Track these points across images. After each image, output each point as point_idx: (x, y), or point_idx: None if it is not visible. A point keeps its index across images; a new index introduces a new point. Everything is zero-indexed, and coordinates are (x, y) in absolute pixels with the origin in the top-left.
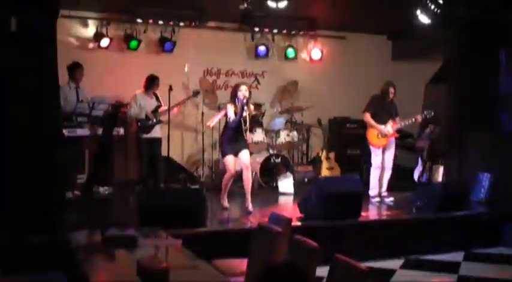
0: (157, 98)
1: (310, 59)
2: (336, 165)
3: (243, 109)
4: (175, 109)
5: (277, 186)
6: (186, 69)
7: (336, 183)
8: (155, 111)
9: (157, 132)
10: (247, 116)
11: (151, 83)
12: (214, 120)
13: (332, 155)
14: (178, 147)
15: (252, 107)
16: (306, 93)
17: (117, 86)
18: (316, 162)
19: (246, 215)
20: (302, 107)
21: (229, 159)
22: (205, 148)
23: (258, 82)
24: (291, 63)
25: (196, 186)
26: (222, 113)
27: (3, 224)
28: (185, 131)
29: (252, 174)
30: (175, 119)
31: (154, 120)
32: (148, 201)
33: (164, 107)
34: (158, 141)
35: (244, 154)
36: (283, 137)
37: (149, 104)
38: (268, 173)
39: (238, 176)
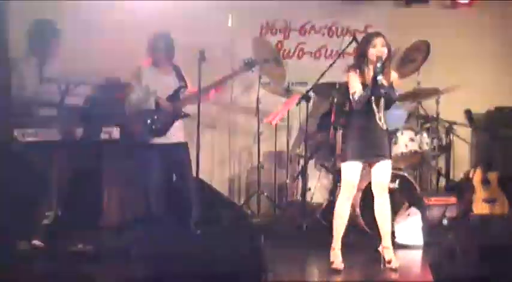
0: (178, 75)
1: (453, 2)
2: (501, 195)
3: (376, 80)
4: (212, 93)
5: (392, 233)
6: (229, 23)
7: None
8: (176, 96)
9: (178, 134)
10: (385, 93)
11: (167, 46)
12: (282, 113)
13: (493, 176)
14: (211, 162)
15: (394, 74)
16: (443, 63)
17: (108, 56)
18: (463, 189)
19: None
20: (438, 89)
21: (352, 169)
22: (263, 163)
23: (357, 43)
24: (417, 10)
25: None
26: (295, 99)
27: None
28: (223, 132)
29: (356, 209)
30: (208, 111)
31: (175, 113)
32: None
33: (192, 89)
34: (181, 149)
35: (382, 168)
36: (404, 142)
37: (164, 84)
38: (372, 204)
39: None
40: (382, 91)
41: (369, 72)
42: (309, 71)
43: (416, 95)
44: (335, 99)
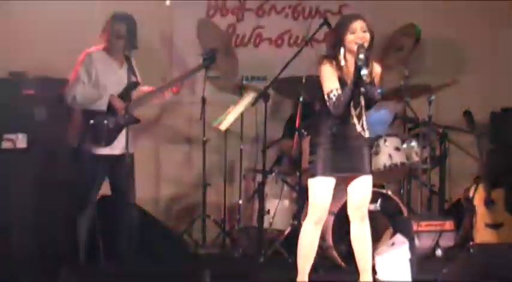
0: (131, 68)
1: None
2: (509, 219)
3: (360, 75)
4: (167, 93)
5: (372, 267)
6: (167, 2)
7: None
8: (127, 95)
9: (124, 146)
10: (367, 90)
11: (130, 31)
12: (232, 114)
13: (499, 194)
14: (144, 177)
15: (378, 68)
16: (437, 53)
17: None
18: (462, 211)
19: None
20: (430, 86)
21: (322, 186)
22: (210, 179)
23: (329, 27)
24: None
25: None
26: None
27: None
28: (158, 140)
29: (327, 238)
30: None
31: (125, 116)
32: None
33: (146, 88)
34: (125, 163)
35: (360, 186)
36: (388, 152)
37: (117, 78)
38: (348, 231)
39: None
40: (366, 90)
41: (348, 65)
42: (269, 62)
43: (404, 93)
44: (301, 98)
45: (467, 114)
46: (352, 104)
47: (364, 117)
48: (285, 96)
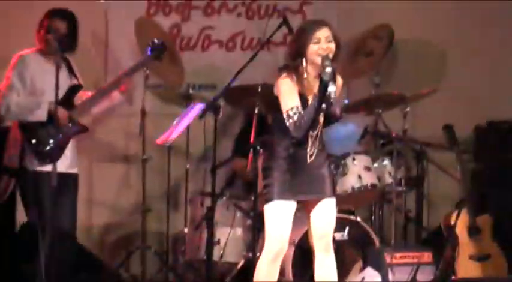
0: (70, 70)
1: None
2: (496, 250)
3: (325, 92)
4: (115, 94)
5: None
6: None
7: None
8: (68, 100)
9: (71, 162)
10: (332, 108)
11: (71, 29)
12: (178, 129)
13: (485, 221)
14: (81, 203)
15: (338, 80)
16: (412, 59)
17: None
18: (442, 240)
19: None
20: (405, 96)
21: (280, 212)
22: (150, 204)
23: (289, 28)
24: None
25: None
26: (197, 109)
27: None
28: (91, 158)
29: (286, 272)
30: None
31: (70, 125)
32: None
33: (86, 92)
34: (70, 184)
35: (324, 211)
36: (357, 172)
37: (55, 81)
38: (310, 264)
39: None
40: (331, 107)
41: (309, 79)
42: (219, 68)
43: (374, 104)
44: (256, 110)
45: (448, 128)
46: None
47: (322, 132)
48: (237, 107)
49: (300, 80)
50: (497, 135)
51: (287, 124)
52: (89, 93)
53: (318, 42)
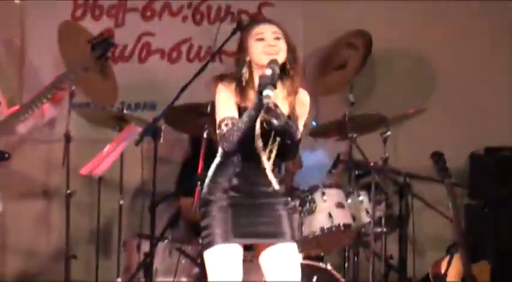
0: None
1: None
2: None
3: (260, 99)
4: (45, 110)
5: None
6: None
7: None
8: None
9: None
10: (280, 126)
11: None
12: (109, 157)
13: (482, 268)
14: None
15: (304, 95)
16: (394, 72)
17: None
18: None
19: None
20: (385, 117)
21: (226, 259)
22: (75, 248)
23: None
24: None
25: None
26: (132, 132)
27: None
28: (11, 196)
29: None
30: None
31: None
32: None
33: (8, 109)
34: None
35: (282, 258)
36: (327, 209)
37: None
38: None
39: None
40: (276, 122)
41: (255, 87)
42: (160, 83)
43: (348, 127)
44: (205, 134)
45: (438, 156)
46: (260, 144)
47: (278, 161)
48: (182, 131)
49: (241, 89)
50: (496, 165)
51: (218, 137)
52: (11, 109)
53: (263, 39)
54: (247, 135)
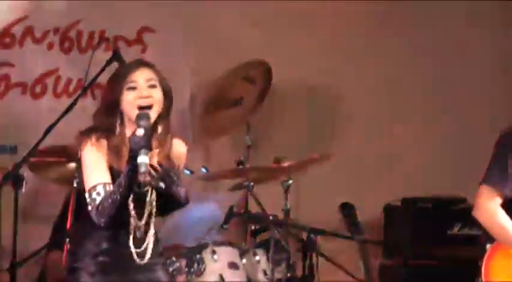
0: None
1: None
2: None
3: (134, 166)
4: None
5: None
6: None
7: None
8: None
9: None
10: (161, 188)
11: None
12: None
13: None
14: None
15: (181, 146)
16: (299, 107)
17: None
18: None
19: None
20: (285, 161)
21: None
22: None
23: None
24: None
25: None
26: None
27: None
28: None
29: None
30: None
31: None
32: None
33: None
34: None
35: None
36: (219, 269)
37: None
38: None
39: None
40: (162, 185)
41: (128, 144)
42: (22, 123)
43: (243, 175)
44: (75, 183)
45: (347, 208)
46: (131, 203)
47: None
48: (49, 180)
49: (112, 147)
50: (415, 219)
51: (89, 207)
52: None
53: (135, 87)
54: (123, 205)
